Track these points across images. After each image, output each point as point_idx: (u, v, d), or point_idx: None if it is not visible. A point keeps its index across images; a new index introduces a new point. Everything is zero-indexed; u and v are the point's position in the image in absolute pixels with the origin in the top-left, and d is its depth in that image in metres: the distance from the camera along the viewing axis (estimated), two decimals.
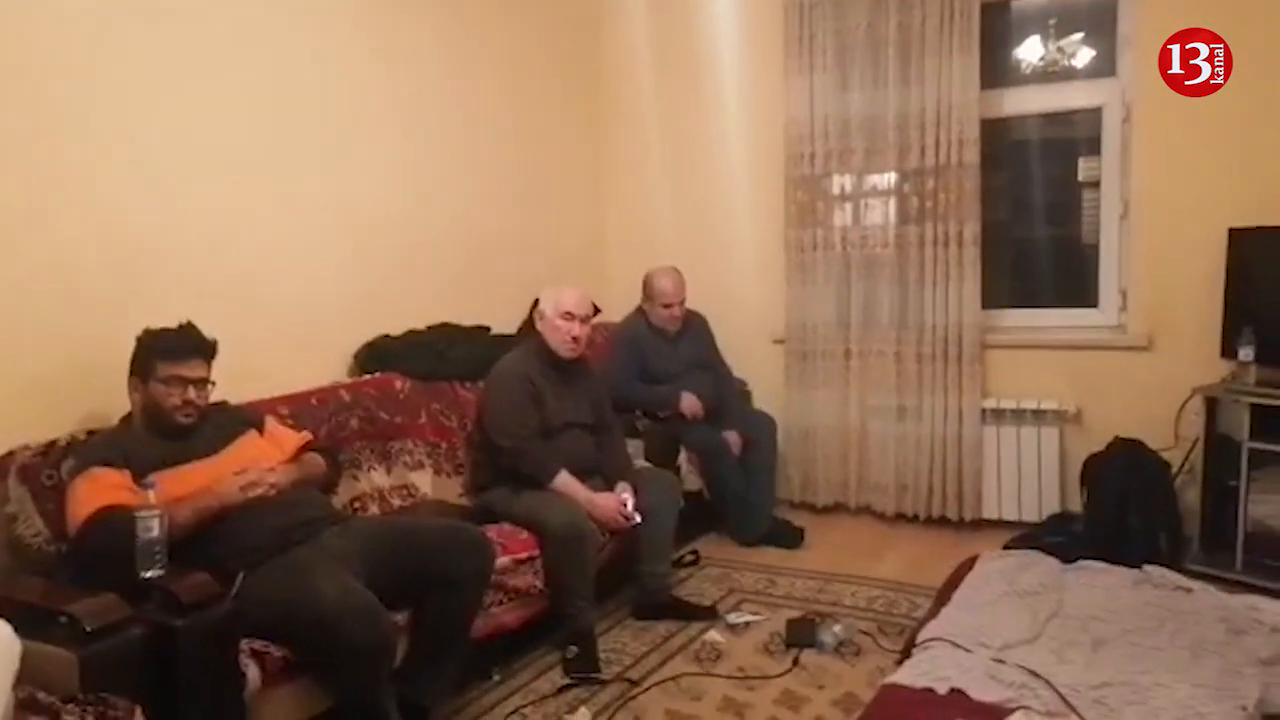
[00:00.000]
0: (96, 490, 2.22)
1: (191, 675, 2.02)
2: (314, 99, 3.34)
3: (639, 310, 4.27)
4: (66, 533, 2.24)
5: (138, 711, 1.85)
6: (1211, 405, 3.54)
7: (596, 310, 3.50)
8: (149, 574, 2.09)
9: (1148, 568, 2.70)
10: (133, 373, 2.43)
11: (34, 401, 2.48)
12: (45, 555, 2.29)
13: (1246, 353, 3.43)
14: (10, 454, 2.35)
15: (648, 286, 4.21)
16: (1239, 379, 3.48)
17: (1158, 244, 3.85)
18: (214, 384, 2.49)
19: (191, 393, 2.42)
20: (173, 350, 2.41)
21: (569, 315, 3.29)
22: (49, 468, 2.36)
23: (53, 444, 2.41)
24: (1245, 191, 3.61)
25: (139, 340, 2.44)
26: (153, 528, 2.11)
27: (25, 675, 1.75)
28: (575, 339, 3.30)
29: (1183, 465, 3.69)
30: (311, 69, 3.33)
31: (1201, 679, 2.03)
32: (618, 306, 4.35)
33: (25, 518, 2.31)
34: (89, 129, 2.64)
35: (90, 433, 2.48)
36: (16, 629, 1.76)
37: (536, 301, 3.42)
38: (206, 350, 2.46)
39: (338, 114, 3.43)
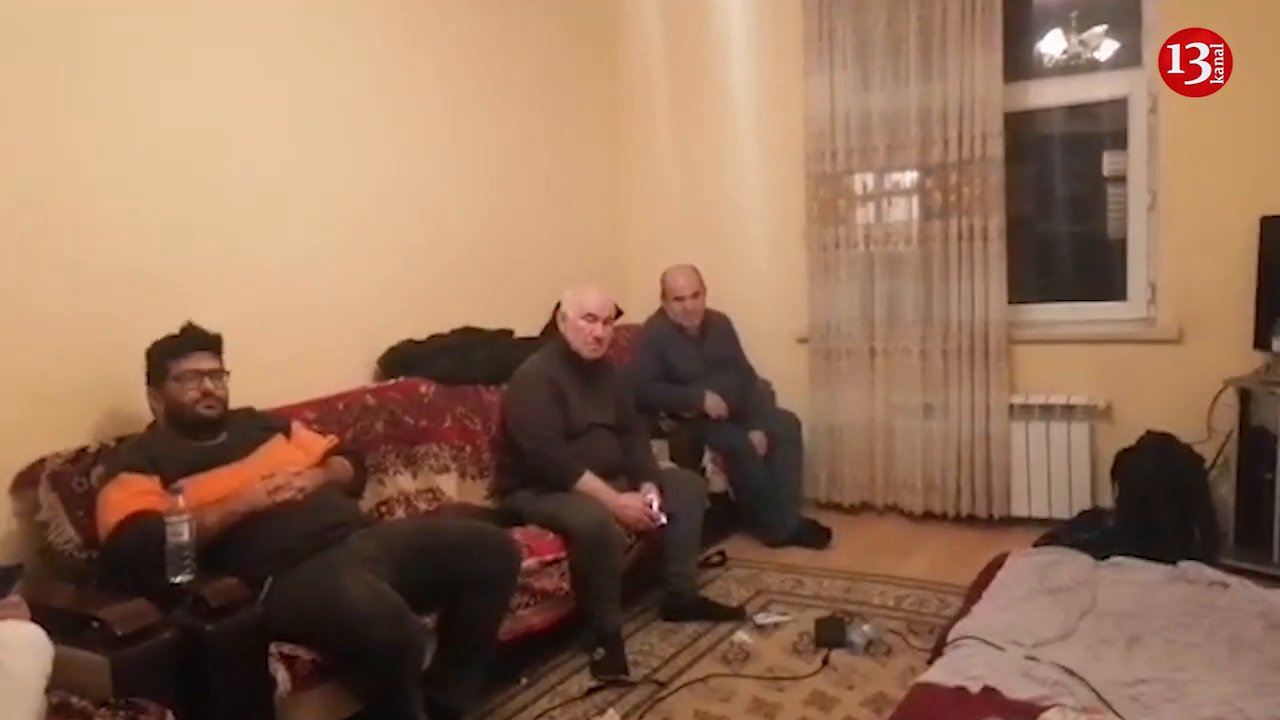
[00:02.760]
0: (126, 496, 2.25)
1: (221, 679, 2.03)
2: (338, 108, 3.36)
3: (660, 311, 4.27)
4: (97, 539, 2.27)
5: (169, 715, 1.86)
6: (1245, 397, 3.49)
7: (619, 312, 3.49)
8: (178, 579, 2.12)
9: (1182, 563, 2.65)
10: (149, 384, 2.47)
11: (62, 410, 2.51)
12: (76, 561, 2.32)
13: None
14: (41, 461, 2.38)
15: (664, 284, 4.23)
16: (1273, 370, 3.43)
17: (1187, 234, 3.79)
18: (229, 373, 2.52)
19: (208, 384, 2.45)
20: (177, 349, 2.45)
21: (591, 316, 3.29)
22: (79, 475, 2.39)
23: (82, 451, 2.44)
24: (1277, 179, 3.54)
25: (147, 354, 2.47)
26: (182, 533, 2.13)
27: (58, 680, 1.77)
28: (598, 340, 3.30)
29: (1216, 458, 3.63)
30: (336, 78, 3.35)
31: (1240, 675, 1.99)
32: (640, 309, 4.35)
33: (57, 525, 2.34)
34: (112, 138, 2.67)
35: (119, 439, 2.50)
36: (49, 634, 1.78)
37: (559, 304, 3.42)
38: (209, 343, 2.50)
39: (361, 122, 3.45)
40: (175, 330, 2.49)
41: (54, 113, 2.55)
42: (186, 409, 2.43)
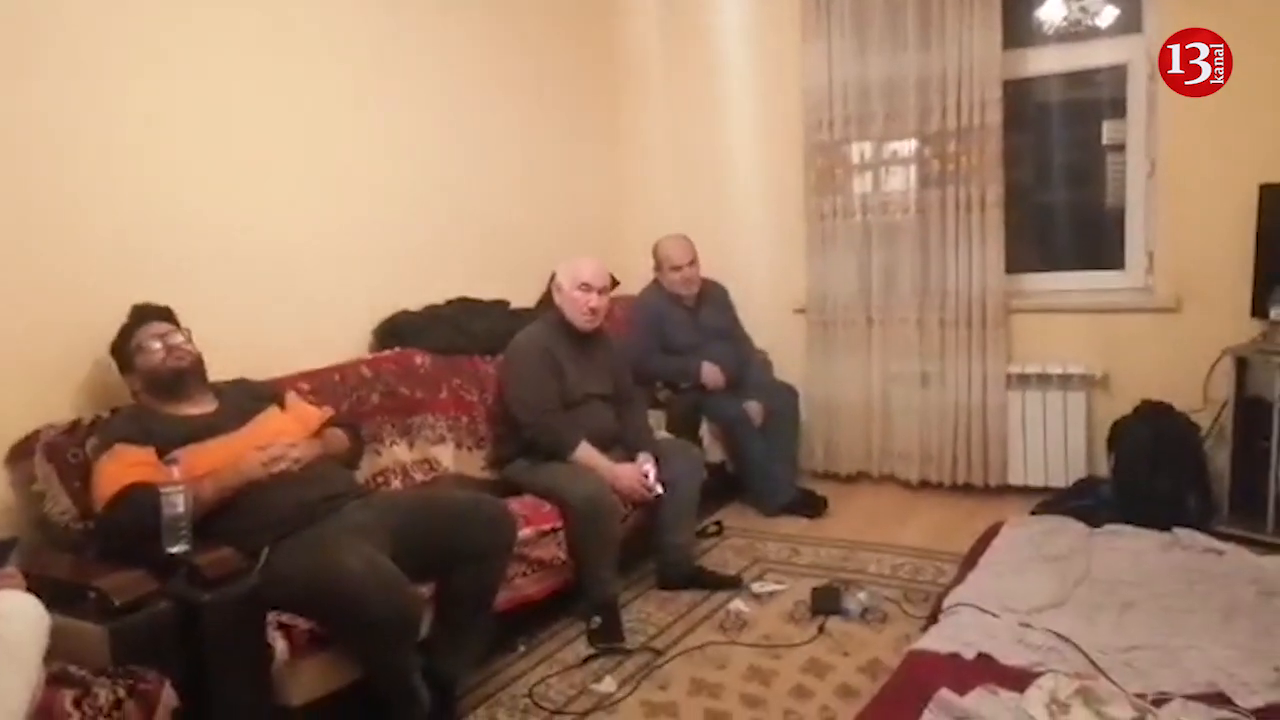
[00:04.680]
0: (121, 467, 2.24)
1: (219, 648, 2.04)
2: (333, 81, 3.32)
3: (655, 282, 4.26)
4: (93, 510, 2.26)
5: (167, 684, 1.86)
6: (1242, 366, 3.48)
7: (615, 282, 3.48)
8: (175, 549, 2.12)
9: (1177, 530, 2.66)
10: (124, 372, 2.49)
11: (56, 381, 2.50)
12: (73, 532, 2.31)
13: (1278, 312, 3.36)
14: (36, 433, 2.37)
15: (657, 255, 4.20)
16: (1270, 338, 3.42)
17: (1185, 203, 3.76)
18: (189, 330, 2.53)
19: (173, 339, 2.47)
20: (132, 326, 2.48)
21: (586, 286, 3.28)
22: (74, 446, 2.38)
23: (77, 423, 2.43)
24: (1276, 147, 3.52)
25: (111, 351, 2.49)
26: (177, 503, 2.13)
27: (56, 649, 1.78)
28: (593, 310, 3.29)
29: (1212, 427, 3.64)
30: (330, 51, 3.31)
31: (1233, 641, 2.01)
32: (636, 279, 4.32)
33: (52, 496, 2.33)
34: (104, 113, 2.64)
35: (113, 410, 2.49)
36: (47, 604, 1.78)
37: (554, 274, 3.40)
38: (158, 313, 2.52)
39: (357, 94, 3.41)
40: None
41: (46, 87, 2.51)
42: (159, 369, 2.44)
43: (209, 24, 2.91)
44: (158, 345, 2.45)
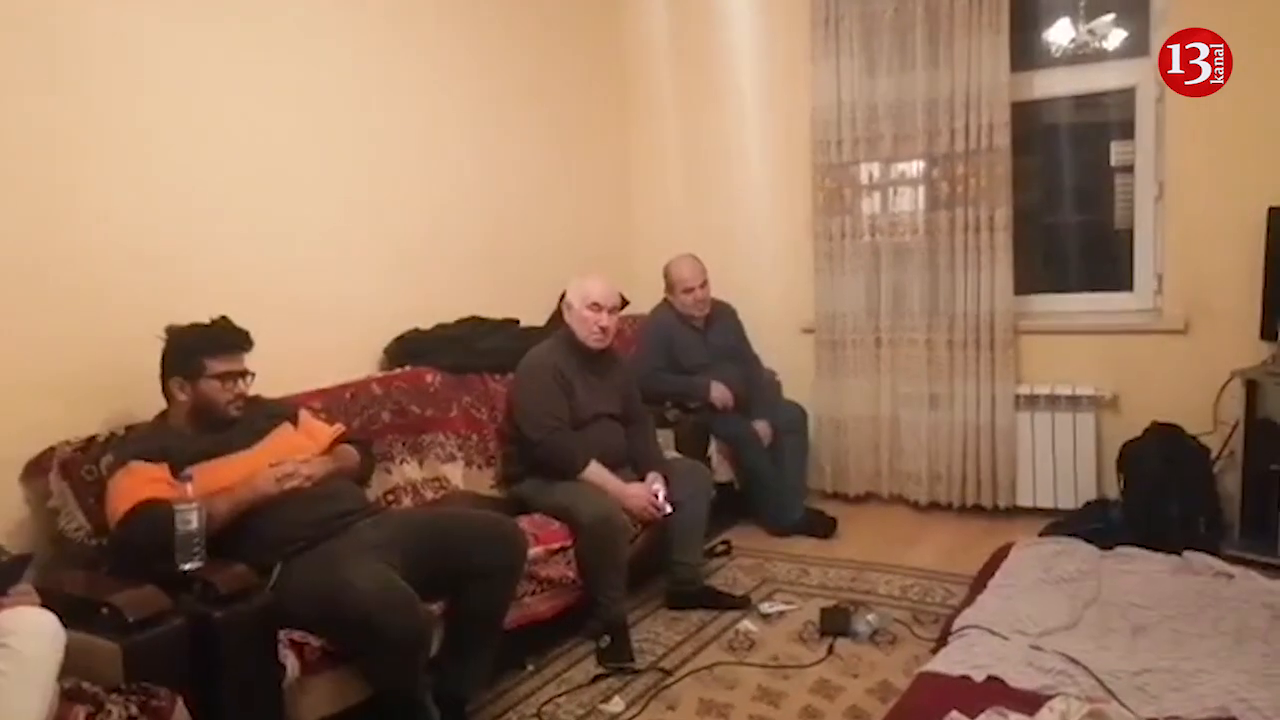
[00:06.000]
0: (135, 484, 2.26)
1: (231, 665, 2.06)
2: (344, 99, 3.36)
3: (665, 302, 4.27)
4: (107, 526, 2.28)
5: (179, 701, 1.88)
6: (1251, 388, 3.48)
7: (625, 301, 3.49)
8: (188, 566, 2.14)
9: (1188, 554, 2.65)
10: (175, 373, 2.43)
11: (72, 399, 2.52)
12: (87, 549, 2.33)
13: None
14: (51, 450, 2.39)
15: (668, 276, 4.21)
16: (1279, 361, 3.42)
17: (1194, 225, 3.77)
18: (254, 375, 2.52)
19: (241, 385, 2.46)
20: (220, 347, 2.43)
21: (596, 306, 3.29)
22: (89, 463, 2.40)
23: (92, 439, 2.45)
24: None
25: (172, 340, 2.43)
26: (191, 520, 2.15)
27: (70, 665, 1.79)
28: (603, 329, 3.30)
29: (1222, 450, 3.63)
30: (341, 70, 3.36)
31: (1245, 665, 1.99)
32: (645, 299, 4.34)
33: (67, 512, 2.35)
34: (120, 128, 2.68)
35: (128, 428, 2.51)
36: (61, 620, 1.79)
37: (564, 294, 3.42)
38: (247, 343, 2.49)
39: (367, 113, 3.45)
40: (200, 320, 2.47)
41: (65, 108, 2.56)
42: (219, 409, 2.43)
43: (223, 49, 2.95)
44: (230, 388, 2.43)
